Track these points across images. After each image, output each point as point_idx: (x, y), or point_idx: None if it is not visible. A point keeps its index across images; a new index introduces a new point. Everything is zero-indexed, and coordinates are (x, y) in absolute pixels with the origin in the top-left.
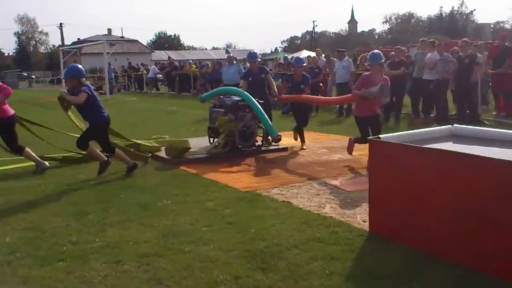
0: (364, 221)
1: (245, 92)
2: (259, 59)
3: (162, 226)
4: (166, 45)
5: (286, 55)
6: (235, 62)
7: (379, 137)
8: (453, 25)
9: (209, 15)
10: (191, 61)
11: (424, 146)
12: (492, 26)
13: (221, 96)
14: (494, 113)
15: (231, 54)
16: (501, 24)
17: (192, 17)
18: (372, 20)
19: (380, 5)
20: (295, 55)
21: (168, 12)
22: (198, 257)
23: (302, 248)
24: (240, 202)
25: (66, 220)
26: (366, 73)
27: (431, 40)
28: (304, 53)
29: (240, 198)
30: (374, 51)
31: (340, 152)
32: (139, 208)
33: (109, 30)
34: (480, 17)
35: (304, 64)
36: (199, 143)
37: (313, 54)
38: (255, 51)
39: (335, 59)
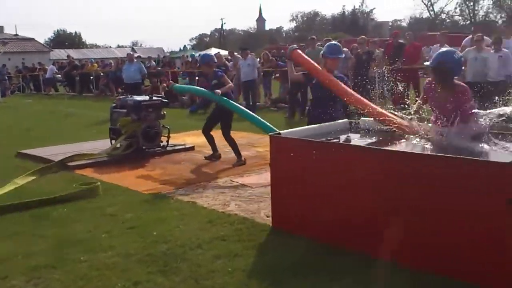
0: (267, 217)
1: (223, 98)
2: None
3: (57, 236)
4: (67, 43)
5: (194, 53)
6: (135, 60)
7: (279, 133)
8: (355, 23)
9: (113, 11)
10: (93, 59)
11: (320, 140)
12: (390, 24)
13: (122, 96)
14: (391, 106)
15: (131, 52)
16: (398, 22)
17: (95, 13)
18: (280, 18)
19: (287, 3)
20: (203, 53)
21: (67, 8)
22: (95, 265)
23: (205, 248)
24: (142, 205)
25: None
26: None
27: (326, 38)
28: (213, 51)
29: (143, 201)
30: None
31: (246, 149)
32: (32, 218)
33: (1, 28)
34: (380, 16)
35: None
36: (100, 145)
37: (218, 51)
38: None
39: (239, 56)
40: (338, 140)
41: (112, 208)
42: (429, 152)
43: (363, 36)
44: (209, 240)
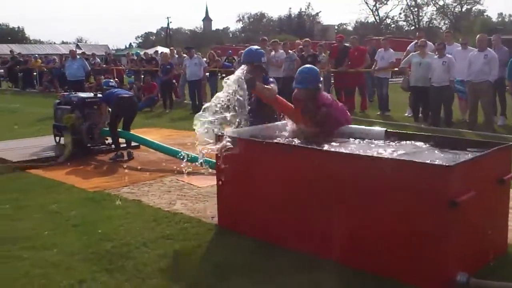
0: (213, 216)
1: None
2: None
3: None
4: (9, 38)
5: (139, 51)
6: (78, 57)
7: (222, 133)
8: (301, 25)
9: (58, 6)
10: (36, 55)
11: (258, 139)
12: (336, 27)
13: (66, 93)
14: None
15: (74, 49)
16: (344, 26)
17: (38, 9)
18: (226, 19)
19: (233, 4)
20: (149, 51)
21: (9, 1)
22: (38, 263)
23: (151, 247)
24: (87, 203)
25: None
26: None
27: (274, 40)
28: (159, 49)
29: (88, 198)
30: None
31: (192, 149)
32: None
33: None
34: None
35: None
36: (45, 142)
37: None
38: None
39: (185, 55)
40: (280, 140)
41: (56, 206)
42: (360, 152)
43: (307, 39)
44: (155, 239)
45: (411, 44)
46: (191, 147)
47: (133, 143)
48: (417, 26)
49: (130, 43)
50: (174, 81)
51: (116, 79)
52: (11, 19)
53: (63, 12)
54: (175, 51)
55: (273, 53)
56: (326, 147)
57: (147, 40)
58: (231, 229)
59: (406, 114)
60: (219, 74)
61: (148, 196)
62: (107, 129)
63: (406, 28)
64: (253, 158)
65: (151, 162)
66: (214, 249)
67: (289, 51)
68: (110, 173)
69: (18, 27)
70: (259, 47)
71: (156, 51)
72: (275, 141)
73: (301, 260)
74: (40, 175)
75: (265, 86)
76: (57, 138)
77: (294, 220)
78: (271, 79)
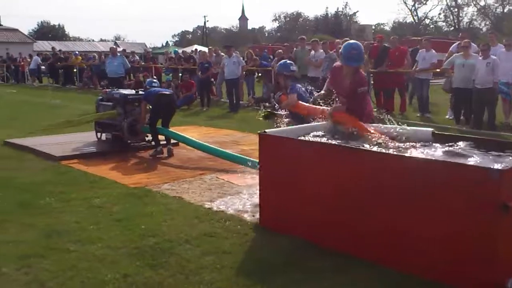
0: (254, 215)
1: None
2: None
3: (45, 226)
4: (50, 35)
5: (177, 50)
6: (119, 54)
7: (265, 131)
8: (338, 25)
9: (96, 5)
10: (77, 52)
11: (306, 139)
12: (373, 27)
13: (109, 89)
14: (375, 109)
15: (114, 46)
16: (381, 26)
17: (78, 7)
18: (262, 18)
19: (270, 3)
20: (187, 49)
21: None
22: (84, 256)
23: (193, 243)
24: (129, 199)
25: None
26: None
27: (314, 39)
28: (196, 48)
29: (129, 194)
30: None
31: (230, 147)
32: (18, 207)
33: None
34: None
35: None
36: (86, 137)
37: (204, 49)
38: None
39: (223, 54)
40: (327, 140)
41: (99, 200)
42: (411, 155)
43: (347, 38)
44: (197, 236)
45: (454, 45)
46: (230, 144)
47: (172, 140)
48: (456, 26)
49: (167, 42)
50: (212, 79)
51: (155, 77)
52: (52, 17)
53: (102, 10)
54: (213, 50)
55: (312, 52)
56: (374, 148)
57: (184, 38)
58: (273, 228)
59: (447, 117)
60: (256, 73)
61: (188, 193)
62: (147, 126)
63: (445, 29)
64: (298, 158)
65: (190, 160)
66: (256, 247)
67: (328, 50)
68: (150, 169)
69: (59, 25)
70: (288, 60)
71: (195, 49)
72: (322, 141)
73: (343, 260)
74: (82, 170)
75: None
76: (99, 134)
77: (341, 221)
78: (296, 87)
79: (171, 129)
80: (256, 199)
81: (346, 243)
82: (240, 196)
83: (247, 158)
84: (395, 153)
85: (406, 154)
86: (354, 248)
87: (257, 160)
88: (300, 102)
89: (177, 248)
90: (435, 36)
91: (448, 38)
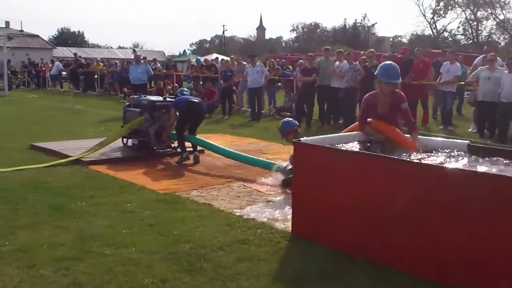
0: (285, 223)
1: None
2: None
3: (78, 229)
4: (69, 42)
5: (199, 58)
6: (142, 61)
7: (299, 140)
8: (356, 36)
9: (115, 13)
10: (98, 58)
11: (343, 148)
12: (391, 39)
13: (136, 96)
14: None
15: (138, 53)
16: (399, 38)
17: (97, 14)
18: (280, 28)
19: (288, 14)
20: (209, 57)
21: (71, 7)
22: (119, 260)
23: (227, 250)
24: (159, 204)
25: None
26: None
27: (339, 50)
28: (214, 56)
29: (160, 200)
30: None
31: (256, 155)
32: (51, 210)
33: (7, 23)
34: (380, 30)
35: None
36: (111, 143)
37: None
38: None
39: (245, 63)
40: (363, 149)
41: (130, 205)
42: (452, 167)
43: (372, 50)
44: (230, 243)
45: (478, 58)
46: (254, 153)
47: (198, 147)
48: (475, 40)
49: (184, 50)
50: (234, 88)
51: (176, 84)
52: (72, 24)
53: (121, 18)
54: (235, 59)
55: (337, 63)
56: (411, 158)
57: (201, 47)
58: (305, 236)
59: (470, 130)
60: (278, 83)
61: (218, 201)
62: (174, 132)
63: (463, 42)
64: (334, 167)
65: (217, 167)
66: (290, 256)
67: (352, 61)
68: (178, 176)
69: (78, 31)
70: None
71: (216, 58)
72: (360, 150)
73: (380, 271)
74: (110, 174)
75: None
76: (125, 140)
77: (378, 232)
78: None
79: (197, 136)
80: (285, 208)
81: (383, 254)
82: (270, 205)
83: (272, 162)
84: (435, 164)
85: (447, 165)
86: (391, 260)
87: (284, 163)
88: None
89: (212, 254)
90: (455, 49)
91: (468, 51)
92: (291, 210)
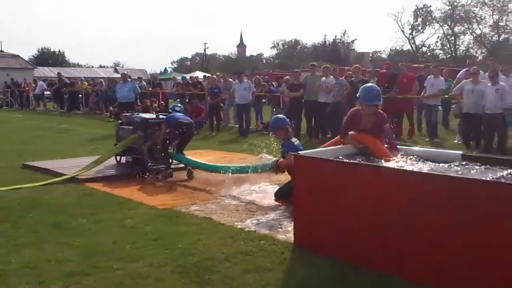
0: (286, 234)
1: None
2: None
3: (82, 245)
4: (50, 62)
5: (184, 76)
6: (129, 79)
7: (298, 153)
8: (336, 52)
9: (95, 32)
10: (83, 78)
11: (342, 160)
12: (370, 54)
13: (129, 113)
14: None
15: (126, 72)
16: (378, 54)
17: (78, 34)
18: (260, 45)
19: (268, 31)
20: (190, 75)
21: (51, 27)
22: (128, 274)
23: (233, 261)
24: (160, 219)
25: None
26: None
27: (325, 65)
28: (198, 74)
29: (159, 215)
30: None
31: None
32: (51, 228)
33: None
34: (360, 46)
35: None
36: (105, 161)
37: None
38: None
39: (230, 80)
40: (362, 160)
41: (130, 221)
42: (452, 174)
43: (357, 65)
44: (235, 254)
45: (461, 71)
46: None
47: None
48: (453, 54)
49: (166, 68)
50: (222, 104)
51: (162, 102)
52: (52, 43)
53: (101, 37)
54: (221, 76)
55: (323, 78)
56: (411, 168)
57: (182, 65)
58: (307, 247)
59: (456, 141)
60: (264, 100)
61: (217, 214)
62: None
63: (442, 57)
64: (335, 179)
65: (211, 182)
66: (295, 266)
67: (339, 77)
68: (174, 191)
69: (59, 51)
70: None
71: (204, 75)
72: (362, 161)
73: (385, 280)
74: (107, 191)
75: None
76: (118, 157)
77: (381, 242)
78: (287, 143)
79: (187, 153)
80: (284, 220)
81: (386, 263)
82: (269, 217)
83: (261, 164)
84: (435, 173)
85: (450, 174)
86: (396, 269)
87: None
88: None
89: (218, 266)
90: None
91: (449, 65)
92: (290, 222)
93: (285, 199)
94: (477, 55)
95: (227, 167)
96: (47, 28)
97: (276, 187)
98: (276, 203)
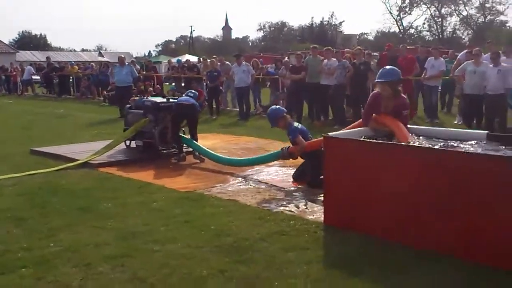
0: (313, 214)
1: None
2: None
3: (116, 228)
4: (32, 45)
5: (180, 59)
6: (127, 63)
7: (328, 135)
8: (323, 34)
9: (77, 15)
10: (73, 61)
11: (372, 140)
12: (357, 37)
13: (137, 97)
14: None
15: (123, 56)
16: (365, 36)
17: (59, 17)
18: (246, 27)
19: (253, 13)
20: (177, 59)
21: (32, 10)
22: (171, 255)
23: (269, 241)
24: (186, 202)
25: (4, 227)
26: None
27: (327, 47)
28: (187, 57)
29: (184, 198)
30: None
31: (259, 152)
32: (80, 211)
33: None
34: (347, 28)
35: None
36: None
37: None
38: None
39: (228, 62)
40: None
41: (156, 204)
42: (480, 151)
43: (359, 47)
44: (269, 234)
45: (462, 53)
46: (257, 150)
47: None
48: (440, 36)
49: (150, 51)
50: (221, 87)
51: (158, 86)
52: (33, 27)
53: (83, 20)
54: (218, 59)
55: (325, 61)
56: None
57: (167, 48)
58: (339, 226)
59: (456, 122)
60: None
61: (241, 196)
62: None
63: (428, 38)
64: (370, 160)
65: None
66: (331, 244)
67: (341, 59)
68: (191, 174)
69: (41, 34)
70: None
71: (199, 58)
72: (393, 142)
73: (421, 254)
74: (123, 176)
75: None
76: (127, 142)
77: (414, 217)
78: (293, 128)
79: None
80: (308, 201)
81: (420, 240)
82: (291, 198)
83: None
84: (471, 151)
85: (483, 152)
86: (424, 244)
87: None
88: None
89: (256, 246)
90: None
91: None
92: (314, 202)
93: (304, 181)
94: (463, 37)
95: (238, 160)
96: (27, 11)
97: (291, 169)
98: (293, 184)
